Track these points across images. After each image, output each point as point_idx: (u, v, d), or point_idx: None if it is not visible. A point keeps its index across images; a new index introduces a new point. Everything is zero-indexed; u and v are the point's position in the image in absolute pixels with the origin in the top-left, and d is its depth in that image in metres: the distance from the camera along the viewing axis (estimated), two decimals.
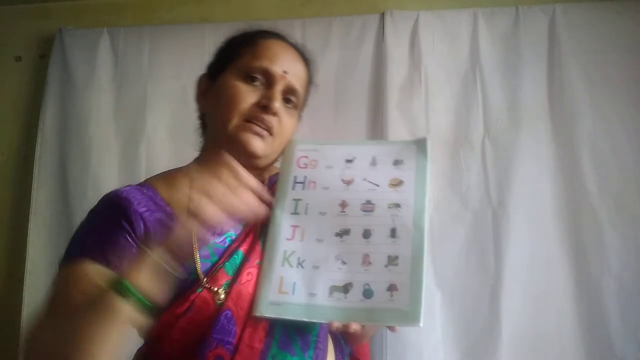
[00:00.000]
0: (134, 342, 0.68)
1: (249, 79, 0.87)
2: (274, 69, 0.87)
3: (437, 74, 1.62)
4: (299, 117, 0.97)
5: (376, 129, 1.62)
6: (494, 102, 1.58)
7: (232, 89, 0.87)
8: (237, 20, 1.75)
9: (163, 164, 0.98)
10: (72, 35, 1.77)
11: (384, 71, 1.62)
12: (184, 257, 0.68)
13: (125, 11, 1.85)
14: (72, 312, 0.68)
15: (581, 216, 1.48)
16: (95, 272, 0.73)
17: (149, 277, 0.65)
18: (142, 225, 0.79)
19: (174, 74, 1.70)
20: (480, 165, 1.55)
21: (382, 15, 1.67)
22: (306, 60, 0.96)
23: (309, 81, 0.97)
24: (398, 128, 1.57)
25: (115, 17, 1.84)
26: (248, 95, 0.86)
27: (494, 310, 1.45)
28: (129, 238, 0.78)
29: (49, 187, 1.68)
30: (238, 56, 0.90)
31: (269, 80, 0.87)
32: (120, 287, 0.64)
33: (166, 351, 0.76)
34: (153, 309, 0.64)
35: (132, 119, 1.70)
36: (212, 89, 0.92)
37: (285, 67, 0.88)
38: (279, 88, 0.87)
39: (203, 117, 0.96)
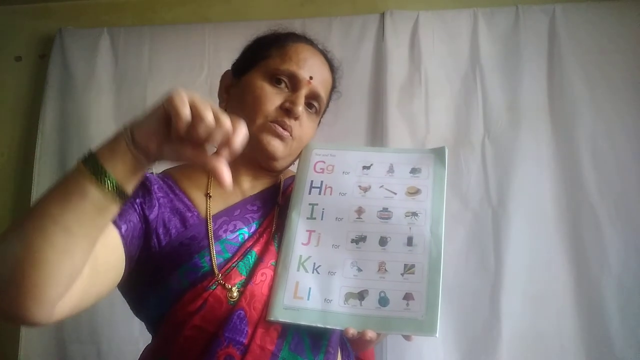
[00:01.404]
0: (92, 235, 0.61)
1: (275, 81, 0.88)
2: (300, 74, 0.88)
3: (437, 74, 1.62)
4: (319, 123, 0.98)
5: (376, 129, 1.62)
6: (494, 102, 1.58)
7: (257, 90, 0.88)
8: (237, 20, 1.76)
9: (163, 164, 0.98)
10: (72, 35, 1.77)
11: (384, 71, 1.62)
12: (143, 138, 0.61)
13: (125, 11, 1.85)
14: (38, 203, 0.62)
15: (581, 216, 1.48)
16: None
17: (112, 149, 0.60)
18: (155, 209, 0.80)
19: (174, 74, 1.70)
20: (480, 165, 1.55)
21: (382, 15, 1.67)
22: (332, 67, 0.98)
23: (333, 88, 0.98)
24: (398, 128, 1.58)
25: (115, 17, 1.84)
26: (273, 97, 0.87)
27: (494, 310, 1.45)
28: (136, 208, 0.78)
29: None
30: (266, 57, 0.91)
31: (294, 84, 0.88)
32: (84, 157, 0.60)
33: (176, 348, 0.76)
34: (112, 190, 0.59)
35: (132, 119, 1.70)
36: (237, 87, 0.92)
37: (312, 72, 0.89)
38: (303, 93, 0.88)
39: None
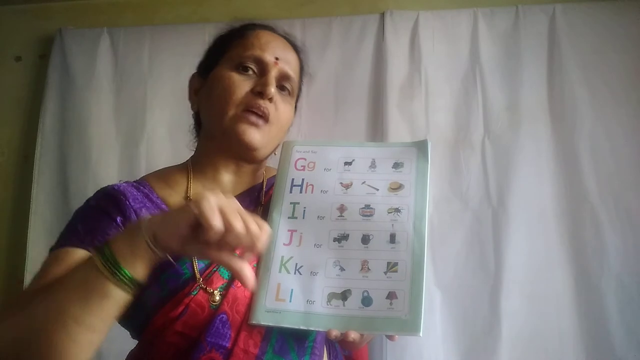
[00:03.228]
0: (112, 323, 0.64)
1: (242, 69, 0.87)
2: (265, 56, 0.87)
3: (437, 74, 1.61)
4: (296, 107, 0.97)
5: (376, 129, 1.62)
6: (494, 102, 1.58)
7: (225, 80, 0.86)
8: (237, 21, 1.76)
9: (163, 164, 0.98)
10: (72, 35, 1.77)
11: (384, 71, 1.62)
12: (167, 240, 0.61)
13: (125, 11, 1.85)
14: (48, 290, 0.63)
15: (581, 216, 1.48)
16: (81, 257, 0.72)
17: (133, 249, 0.61)
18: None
19: (174, 74, 1.70)
20: (480, 165, 1.55)
21: (382, 15, 1.67)
22: (297, 48, 0.96)
23: (302, 69, 0.97)
24: (398, 128, 1.57)
25: (115, 17, 1.84)
26: (242, 84, 0.85)
27: (494, 310, 1.44)
28: (120, 228, 0.77)
29: (49, 187, 1.68)
30: (228, 50, 0.90)
31: (261, 68, 0.87)
32: (102, 255, 0.61)
33: (159, 354, 0.75)
34: (133, 287, 0.61)
35: (132, 119, 1.70)
36: (205, 86, 0.91)
37: (277, 54, 0.88)
38: (272, 74, 0.86)
39: (197, 116, 0.95)
